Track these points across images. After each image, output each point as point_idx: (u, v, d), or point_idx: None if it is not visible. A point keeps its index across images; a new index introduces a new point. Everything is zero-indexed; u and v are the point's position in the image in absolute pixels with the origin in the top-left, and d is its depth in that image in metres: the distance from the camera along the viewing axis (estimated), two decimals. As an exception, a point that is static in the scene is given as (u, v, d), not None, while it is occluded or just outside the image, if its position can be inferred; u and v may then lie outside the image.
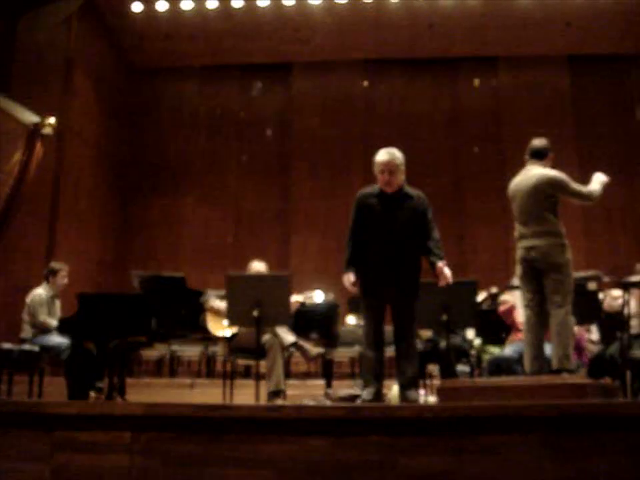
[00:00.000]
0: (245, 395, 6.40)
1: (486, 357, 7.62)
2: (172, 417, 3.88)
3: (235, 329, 6.43)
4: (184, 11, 14.28)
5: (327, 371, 7.92)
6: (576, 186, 5.54)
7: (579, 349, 7.10)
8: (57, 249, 12.30)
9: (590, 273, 6.84)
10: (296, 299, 6.69)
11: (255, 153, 15.54)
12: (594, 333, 7.78)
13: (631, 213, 14.27)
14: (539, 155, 5.68)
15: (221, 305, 6.40)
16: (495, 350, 7.61)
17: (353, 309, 9.81)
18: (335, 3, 13.99)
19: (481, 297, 7.89)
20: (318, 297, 8.73)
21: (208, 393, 7.89)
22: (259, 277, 6.21)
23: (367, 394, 5.17)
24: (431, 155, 14.93)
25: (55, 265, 8.02)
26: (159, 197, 15.24)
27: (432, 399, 6.30)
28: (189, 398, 8.10)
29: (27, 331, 7.47)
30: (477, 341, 7.90)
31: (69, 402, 5.70)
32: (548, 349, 5.45)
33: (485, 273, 12.43)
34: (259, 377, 5.85)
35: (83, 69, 13.63)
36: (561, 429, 3.47)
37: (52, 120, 11.82)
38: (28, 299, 7.57)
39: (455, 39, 14.55)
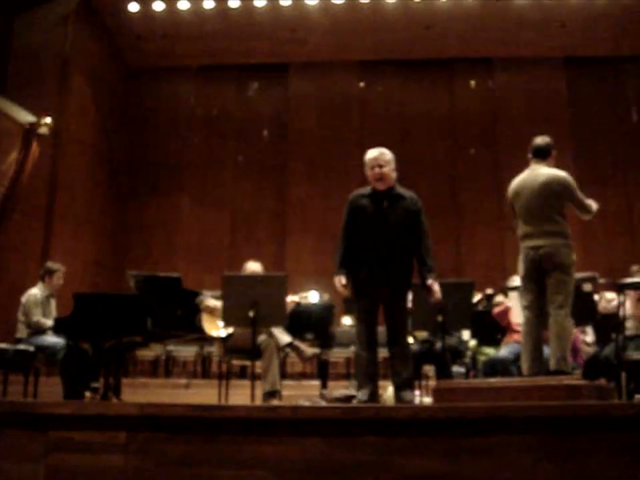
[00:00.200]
0: (241, 395, 6.39)
1: (481, 358, 7.63)
2: (167, 417, 3.87)
3: (230, 329, 6.42)
4: (181, 12, 14.27)
5: (323, 371, 7.91)
6: (581, 195, 5.52)
7: (574, 350, 7.10)
8: (52, 249, 12.29)
9: (586, 274, 6.84)
10: (292, 299, 6.70)
11: (251, 153, 15.54)
12: (589, 335, 7.80)
13: (627, 214, 14.29)
14: (542, 154, 5.63)
15: (217, 303, 6.40)
16: (490, 351, 7.63)
17: (349, 310, 9.81)
18: (332, 3, 14.00)
19: (477, 298, 7.90)
20: (313, 297, 8.74)
21: (203, 394, 7.88)
22: (254, 278, 6.21)
23: (362, 395, 5.18)
24: (427, 156, 14.97)
25: (52, 265, 7.99)
26: (155, 197, 15.23)
27: (427, 400, 6.31)
28: (184, 398, 8.09)
29: (22, 331, 7.45)
30: (473, 342, 7.92)
31: (64, 402, 5.69)
32: (545, 350, 5.45)
33: (481, 273, 12.45)
34: (254, 377, 5.84)
35: (80, 69, 13.61)
36: (557, 430, 3.47)
37: (48, 120, 11.81)
38: (23, 299, 7.55)
39: (451, 40, 14.56)
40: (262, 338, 6.13)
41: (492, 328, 7.49)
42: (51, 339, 7.18)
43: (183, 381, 9.87)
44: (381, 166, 5.33)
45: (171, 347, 10.96)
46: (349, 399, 5.94)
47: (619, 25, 13.92)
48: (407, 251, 5.30)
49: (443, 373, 6.86)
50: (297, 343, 6.66)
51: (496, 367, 6.77)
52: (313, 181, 14.95)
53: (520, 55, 14.91)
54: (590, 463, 3.41)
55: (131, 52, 15.31)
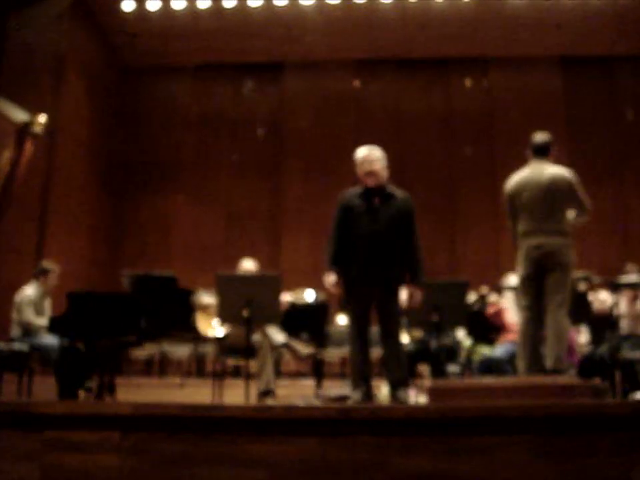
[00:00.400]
0: (235, 394, 6.37)
1: (476, 358, 7.64)
2: (162, 416, 3.87)
3: (225, 329, 6.41)
4: (176, 10, 14.23)
5: (318, 370, 7.90)
6: (583, 195, 5.51)
7: (569, 349, 7.11)
8: (47, 248, 12.25)
9: (580, 273, 6.85)
10: (286, 298, 6.69)
11: (246, 152, 15.52)
12: (583, 334, 7.80)
13: (621, 213, 14.31)
14: (543, 151, 5.61)
15: (211, 300, 6.39)
16: (485, 350, 7.63)
17: (344, 309, 9.79)
18: (327, 2, 13.97)
19: (472, 297, 7.90)
20: (308, 296, 8.72)
21: (198, 393, 7.87)
22: (249, 277, 6.20)
23: (356, 394, 5.17)
24: (423, 155, 14.97)
25: (47, 264, 7.97)
26: (150, 196, 15.21)
27: (422, 399, 6.30)
28: (178, 397, 8.06)
29: (16, 330, 7.44)
30: (468, 342, 7.92)
31: (58, 401, 5.67)
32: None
33: (476, 273, 12.44)
34: (249, 376, 5.84)
35: (74, 68, 13.57)
36: (552, 429, 3.48)
37: (42, 118, 11.77)
38: (17, 298, 7.54)
39: (447, 39, 14.55)
40: (256, 337, 6.12)
41: (487, 327, 7.50)
42: (46, 339, 7.17)
43: (178, 380, 9.85)
44: (371, 162, 5.34)
45: (165, 346, 10.95)
46: (343, 398, 5.94)
47: (614, 25, 13.93)
48: (399, 249, 5.29)
49: (438, 372, 6.86)
50: (292, 342, 6.66)
51: (491, 366, 6.78)
52: (308, 180, 14.94)
53: (515, 55, 14.91)
54: (585, 462, 3.42)
55: (126, 50, 15.25)
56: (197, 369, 11.18)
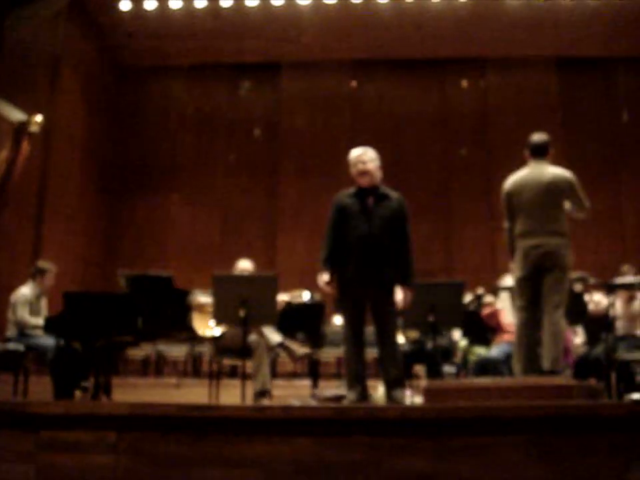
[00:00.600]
0: (231, 395, 6.37)
1: (472, 358, 7.65)
2: (157, 416, 3.87)
3: (221, 329, 6.41)
4: (172, 10, 14.24)
5: (313, 371, 7.90)
6: (582, 194, 5.51)
7: (565, 350, 7.12)
8: (43, 248, 12.25)
9: (576, 274, 6.85)
10: (282, 298, 6.69)
11: (242, 152, 15.53)
12: (578, 335, 7.82)
13: (617, 214, 14.34)
14: (541, 151, 5.58)
15: (207, 300, 6.39)
16: (481, 351, 7.64)
17: (339, 310, 9.79)
18: (324, 2, 13.99)
19: (468, 298, 7.91)
20: (304, 296, 8.72)
21: (194, 393, 7.86)
22: (245, 277, 6.20)
23: (351, 394, 5.17)
24: (419, 155, 14.99)
25: (44, 264, 7.94)
26: (146, 196, 15.21)
27: (418, 400, 6.31)
28: (174, 398, 8.06)
29: (11, 330, 7.43)
30: (464, 342, 7.93)
31: (54, 401, 5.67)
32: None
33: (472, 273, 12.45)
34: (245, 377, 5.83)
35: (71, 67, 13.57)
36: (547, 429, 3.48)
37: (39, 118, 11.75)
38: (12, 298, 7.53)
39: (443, 39, 14.57)
40: (252, 337, 6.12)
41: (483, 328, 7.51)
42: (41, 339, 7.16)
43: (174, 380, 9.84)
44: (364, 162, 5.35)
45: (161, 347, 10.94)
46: (339, 398, 5.94)
47: (610, 26, 13.95)
48: (393, 249, 5.28)
49: (434, 372, 6.87)
50: (288, 342, 6.66)
51: (487, 367, 6.79)
52: (304, 180, 14.95)
53: (511, 55, 14.94)
54: (580, 462, 3.42)
55: (123, 50, 15.26)
56: (193, 369, 11.17)
